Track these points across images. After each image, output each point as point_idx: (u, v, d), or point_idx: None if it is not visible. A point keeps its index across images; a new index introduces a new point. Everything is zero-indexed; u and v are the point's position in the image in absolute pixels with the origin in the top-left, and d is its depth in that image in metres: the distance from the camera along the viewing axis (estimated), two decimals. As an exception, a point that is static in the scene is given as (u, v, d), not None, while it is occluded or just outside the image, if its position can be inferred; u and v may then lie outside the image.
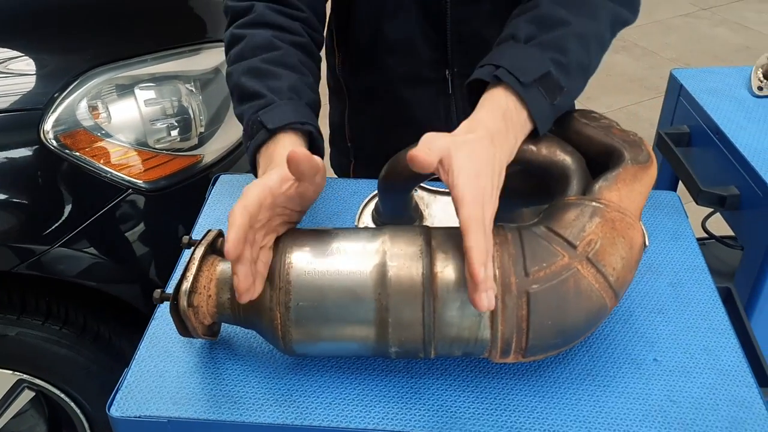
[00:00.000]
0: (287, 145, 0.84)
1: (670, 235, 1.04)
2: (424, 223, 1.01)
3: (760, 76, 1.39)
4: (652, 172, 0.82)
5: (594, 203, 0.79)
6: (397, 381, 0.84)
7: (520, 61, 0.81)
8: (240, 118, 0.93)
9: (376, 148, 1.21)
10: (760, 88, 1.38)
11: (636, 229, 0.80)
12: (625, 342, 0.89)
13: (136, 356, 0.87)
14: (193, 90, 1.55)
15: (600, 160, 0.83)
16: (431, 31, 1.11)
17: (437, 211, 1.03)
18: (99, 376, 1.50)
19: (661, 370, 0.85)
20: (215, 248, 0.83)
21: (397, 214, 0.98)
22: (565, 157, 0.83)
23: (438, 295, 0.75)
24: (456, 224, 0.73)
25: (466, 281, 0.71)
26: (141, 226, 1.48)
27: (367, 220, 1.04)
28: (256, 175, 0.88)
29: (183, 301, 0.77)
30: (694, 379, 0.84)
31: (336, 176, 1.43)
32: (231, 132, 1.61)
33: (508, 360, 0.78)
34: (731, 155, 1.24)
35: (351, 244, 0.78)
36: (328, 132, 1.43)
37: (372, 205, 1.05)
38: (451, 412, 0.80)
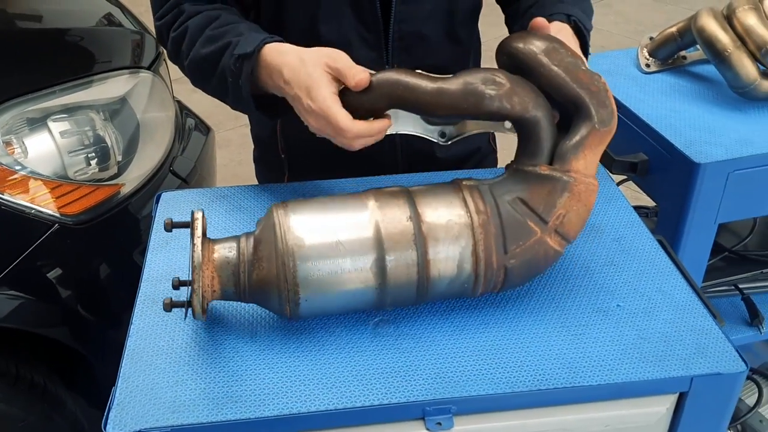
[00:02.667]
0: (275, 50, 0.97)
1: (604, 198, 1.13)
2: None
3: (646, 54, 1.53)
4: (613, 129, 0.90)
5: (564, 177, 0.87)
6: (390, 357, 0.86)
7: (580, 16, 1.09)
8: (223, 78, 1.01)
9: (311, 155, 1.23)
10: (648, 65, 1.52)
11: (594, 192, 0.89)
12: (589, 294, 0.95)
13: (121, 373, 0.85)
14: (104, 119, 1.51)
15: (567, 106, 0.90)
16: (365, 31, 1.16)
17: None
18: (36, 427, 1.42)
19: (626, 314, 0.92)
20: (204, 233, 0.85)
21: None
22: (536, 114, 0.88)
23: (430, 278, 0.85)
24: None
25: (453, 261, 0.85)
26: (66, 262, 1.41)
27: None
28: (253, 108, 1.02)
29: (198, 309, 0.82)
30: (656, 317, 0.92)
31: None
32: (147, 159, 1.58)
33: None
34: (636, 126, 1.36)
35: (348, 235, 0.84)
36: (253, 151, 1.43)
37: None
38: (448, 377, 0.83)
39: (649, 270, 0.99)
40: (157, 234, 1.07)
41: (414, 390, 0.82)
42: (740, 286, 1.57)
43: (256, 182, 1.45)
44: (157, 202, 1.14)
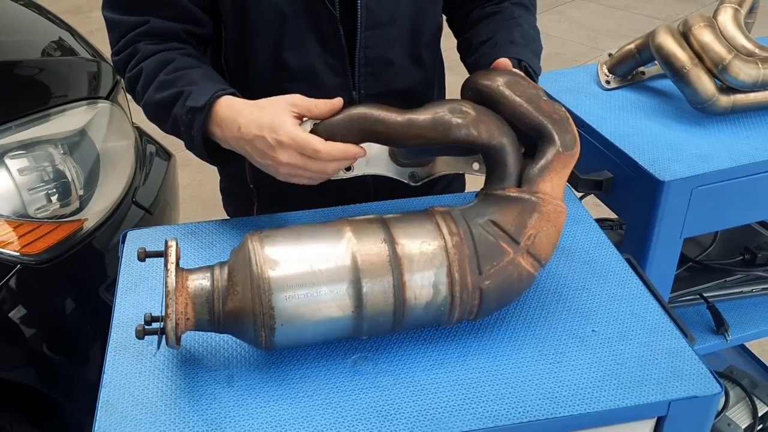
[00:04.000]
0: (227, 104, 0.99)
1: (572, 220, 1.14)
2: None
3: (606, 71, 1.55)
4: (577, 154, 0.93)
5: (533, 198, 0.89)
6: (371, 396, 0.85)
7: (528, 59, 1.12)
8: (176, 126, 1.03)
9: (281, 184, 1.22)
10: (608, 82, 1.54)
11: (563, 214, 0.91)
12: (564, 320, 0.96)
13: (96, 428, 0.83)
14: (63, 153, 1.48)
15: (531, 135, 0.93)
16: (331, 58, 1.15)
17: None
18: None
19: (601, 339, 0.93)
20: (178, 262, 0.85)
21: None
22: (502, 140, 0.91)
23: (407, 303, 0.85)
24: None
25: (428, 282, 0.86)
26: (30, 302, 1.38)
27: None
28: (209, 157, 1.05)
29: (171, 339, 0.81)
30: (631, 340, 0.93)
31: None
32: (110, 191, 1.55)
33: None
34: (600, 144, 1.38)
35: (323, 259, 0.84)
36: (219, 182, 1.41)
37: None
38: (430, 414, 0.83)
39: (620, 293, 1.00)
40: (126, 276, 1.05)
41: (397, 430, 0.81)
42: (705, 294, 1.60)
43: (217, 201, 1.44)
44: (123, 241, 1.12)
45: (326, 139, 0.95)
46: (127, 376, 0.89)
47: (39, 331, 1.40)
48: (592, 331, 0.94)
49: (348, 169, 1.04)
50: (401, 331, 0.91)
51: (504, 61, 1.01)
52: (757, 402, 1.87)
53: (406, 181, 1.09)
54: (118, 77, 1.78)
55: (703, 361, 0.90)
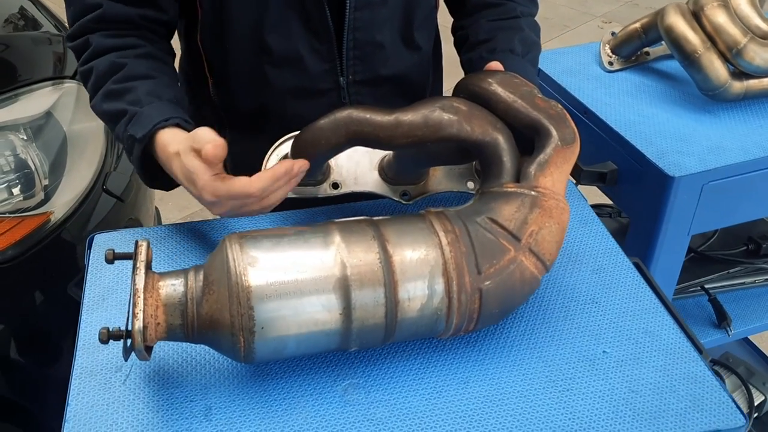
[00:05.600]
0: (169, 139, 0.90)
1: (577, 221, 1.06)
2: (332, 174, 0.99)
3: (608, 51, 1.46)
4: (577, 149, 0.86)
5: (532, 192, 0.82)
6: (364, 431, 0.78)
7: (525, 72, 1.00)
8: (119, 140, 0.98)
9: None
10: (611, 63, 1.45)
11: (566, 212, 0.85)
12: (573, 339, 0.88)
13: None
14: (26, 139, 1.37)
15: (526, 133, 0.86)
16: (316, 42, 1.06)
17: (342, 159, 0.99)
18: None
19: (613, 362, 0.85)
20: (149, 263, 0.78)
21: (310, 175, 0.96)
22: (497, 136, 0.84)
23: (399, 303, 0.78)
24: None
25: (422, 280, 0.78)
26: (-7, 303, 1.28)
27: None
28: (145, 180, 0.99)
29: (138, 340, 0.72)
30: (645, 364, 0.85)
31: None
32: (78, 179, 1.44)
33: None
34: (603, 132, 1.29)
35: (307, 257, 0.77)
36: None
37: (281, 151, 0.98)
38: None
39: (632, 307, 0.93)
40: (92, 288, 0.95)
41: (392, 470, 0.74)
42: (707, 286, 1.53)
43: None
44: (90, 246, 1.02)
45: (310, 147, 0.86)
46: (93, 409, 0.80)
47: (5, 334, 1.30)
48: (603, 352, 0.87)
49: (336, 186, 0.96)
50: (394, 341, 0.83)
51: (496, 64, 0.95)
52: (753, 391, 1.83)
53: (397, 200, 1.00)
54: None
55: (724, 389, 0.82)
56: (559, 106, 0.88)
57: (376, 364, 0.85)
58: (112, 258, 0.79)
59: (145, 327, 0.73)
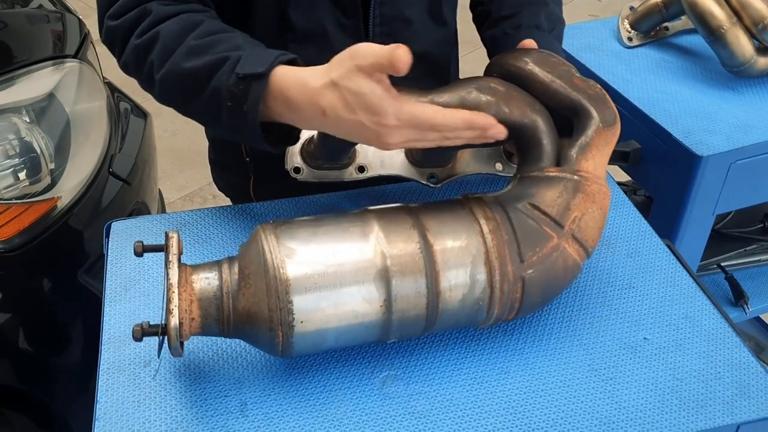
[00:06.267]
0: (296, 79, 0.78)
1: (611, 205, 1.03)
2: (358, 157, 0.96)
3: (627, 27, 1.43)
4: (618, 131, 0.83)
5: (575, 177, 0.80)
6: (406, 425, 0.75)
7: (553, 49, 0.93)
8: (214, 102, 0.82)
9: (282, 156, 1.09)
10: (630, 39, 1.42)
11: (608, 196, 0.82)
12: (613, 326, 0.86)
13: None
14: (29, 121, 1.32)
15: (565, 114, 0.83)
16: (343, 17, 1.02)
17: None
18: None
19: (655, 349, 0.84)
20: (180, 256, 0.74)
21: (336, 159, 0.95)
22: (536, 118, 0.81)
23: (441, 293, 0.75)
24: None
25: (464, 270, 0.75)
26: (2, 293, 1.24)
27: (297, 160, 0.97)
28: (261, 140, 0.82)
29: (174, 337, 0.69)
30: (687, 350, 0.83)
31: (230, 200, 1.29)
32: (84, 161, 1.40)
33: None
34: (626, 110, 1.26)
35: (345, 248, 0.74)
36: (207, 152, 1.28)
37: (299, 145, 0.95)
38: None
39: (670, 292, 0.91)
40: (113, 279, 0.92)
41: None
42: (723, 264, 1.52)
43: (192, 154, 1.29)
44: (108, 235, 0.99)
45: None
46: (124, 406, 0.77)
47: (13, 324, 1.27)
48: (644, 339, 0.85)
49: (362, 170, 0.94)
50: (434, 332, 0.81)
51: (530, 42, 0.90)
52: (764, 366, 1.83)
53: (424, 183, 0.97)
54: (86, 29, 1.61)
55: (769, 374, 0.81)
56: (598, 85, 0.85)
57: (413, 355, 0.83)
58: (142, 251, 0.75)
59: (180, 323, 0.70)
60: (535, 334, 0.85)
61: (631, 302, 0.89)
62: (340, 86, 0.75)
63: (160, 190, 1.87)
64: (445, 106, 0.80)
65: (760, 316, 1.93)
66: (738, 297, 1.48)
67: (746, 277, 1.53)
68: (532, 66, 0.84)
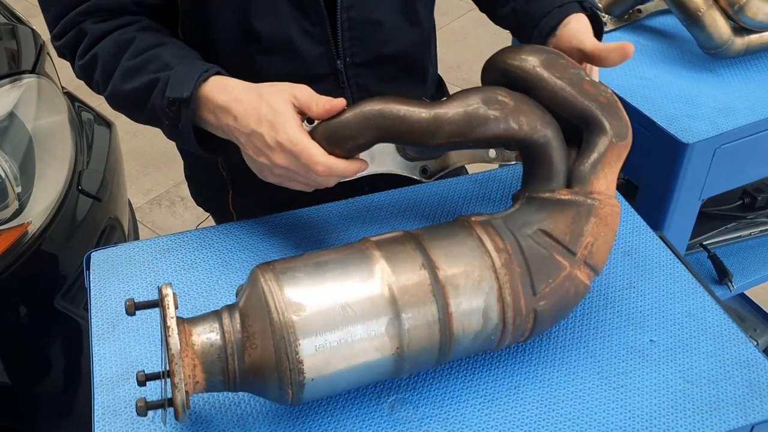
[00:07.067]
0: (219, 87, 0.84)
1: (600, 200, 1.02)
2: None
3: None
4: (630, 144, 0.81)
5: (588, 200, 0.77)
6: None
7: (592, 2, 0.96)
8: (156, 118, 0.88)
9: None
10: (604, 23, 1.40)
11: (619, 214, 0.80)
12: (617, 329, 0.85)
13: None
14: (-9, 144, 1.26)
15: (575, 123, 0.80)
16: (308, 24, 0.98)
17: None
18: None
19: (663, 351, 0.83)
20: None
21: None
22: (546, 133, 0.78)
23: (453, 335, 0.73)
24: None
25: (478, 311, 0.73)
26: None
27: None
28: (199, 148, 0.87)
29: (182, 413, 0.66)
30: (695, 351, 0.83)
31: (210, 215, 1.25)
32: (51, 182, 1.34)
33: None
34: (606, 99, 1.24)
35: (355, 298, 0.70)
36: (183, 168, 1.23)
37: None
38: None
39: (671, 289, 0.90)
40: (99, 315, 0.88)
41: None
42: (705, 243, 1.52)
43: (156, 155, 1.26)
44: (88, 267, 0.94)
45: (333, 142, 0.80)
46: (124, 453, 0.74)
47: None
48: (651, 341, 0.84)
49: None
50: (445, 364, 0.79)
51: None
52: (746, 337, 1.86)
53: (417, 178, 0.95)
54: (42, 41, 1.54)
55: (778, 370, 0.80)
56: (609, 90, 0.81)
57: (421, 376, 0.81)
58: (134, 310, 0.69)
59: (186, 393, 0.66)
60: (542, 344, 0.84)
61: (634, 303, 0.88)
62: (263, 98, 0.81)
63: (130, 201, 1.81)
64: (450, 122, 0.78)
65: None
66: (722, 275, 1.49)
67: (728, 253, 1.54)
68: (540, 71, 0.80)
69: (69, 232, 1.33)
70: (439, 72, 1.21)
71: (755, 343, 1.85)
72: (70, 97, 1.65)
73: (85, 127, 1.61)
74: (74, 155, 1.45)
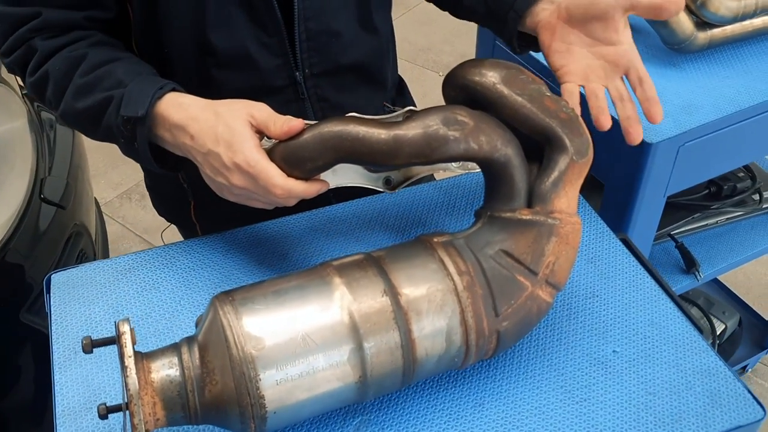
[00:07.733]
0: (175, 104, 0.82)
1: (564, 205, 1.02)
2: None
3: (564, 5, 1.40)
4: (591, 160, 0.81)
5: (549, 220, 0.77)
6: (386, 477, 0.74)
7: None
8: (111, 136, 0.87)
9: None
10: (568, 18, 1.39)
11: (580, 231, 0.80)
12: (580, 340, 0.86)
13: None
14: (-53, 156, 1.23)
15: (536, 138, 0.80)
16: (265, 36, 0.96)
17: None
18: None
19: (625, 362, 0.83)
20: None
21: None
22: (507, 152, 0.78)
23: (417, 361, 0.73)
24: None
25: (440, 335, 0.72)
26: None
27: None
28: (156, 165, 0.87)
29: None
30: (657, 361, 0.83)
31: (175, 226, 1.23)
32: (11, 192, 1.32)
33: None
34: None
35: (315, 329, 0.69)
36: (144, 179, 1.21)
37: None
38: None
39: (634, 297, 0.90)
40: (60, 341, 0.87)
41: None
42: (672, 233, 1.54)
43: (123, 161, 1.22)
44: (48, 290, 0.93)
45: (292, 163, 0.79)
46: (87, 487, 0.73)
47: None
48: (614, 352, 0.84)
49: None
50: (409, 386, 0.79)
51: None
52: (714, 320, 1.88)
53: (380, 189, 0.94)
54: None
55: (737, 378, 0.81)
56: (570, 106, 0.82)
57: (386, 397, 0.81)
58: (91, 348, 0.68)
59: (147, 431, 0.65)
60: (506, 358, 0.84)
61: (597, 312, 0.89)
62: (220, 117, 0.80)
63: (97, 203, 1.79)
64: (410, 143, 0.77)
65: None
66: (690, 265, 1.50)
67: (694, 242, 1.55)
68: (501, 87, 0.80)
69: (33, 242, 1.31)
70: (410, 54, 1.21)
71: (724, 326, 1.89)
72: (30, 98, 1.61)
73: (46, 126, 1.58)
74: (35, 162, 1.42)
